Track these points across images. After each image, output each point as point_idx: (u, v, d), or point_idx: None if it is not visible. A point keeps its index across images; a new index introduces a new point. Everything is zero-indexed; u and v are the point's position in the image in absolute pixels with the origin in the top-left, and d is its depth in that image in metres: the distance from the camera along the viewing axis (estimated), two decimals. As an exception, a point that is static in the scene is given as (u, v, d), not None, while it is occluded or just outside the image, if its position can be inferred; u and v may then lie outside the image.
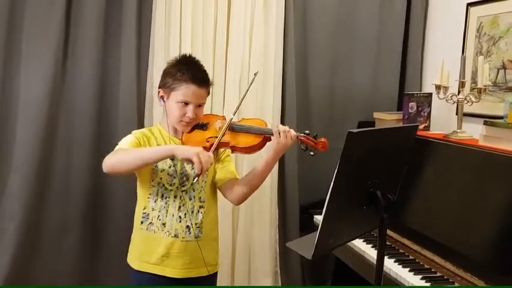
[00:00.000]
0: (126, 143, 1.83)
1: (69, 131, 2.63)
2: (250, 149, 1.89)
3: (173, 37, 2.68)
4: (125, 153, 1.76)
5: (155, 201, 1.88)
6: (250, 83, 1.97)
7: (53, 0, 2.52)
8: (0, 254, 2.51)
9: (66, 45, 2.60)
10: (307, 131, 1.88)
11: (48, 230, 2.63)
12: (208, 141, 1.86)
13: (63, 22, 2.56)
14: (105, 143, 2.54)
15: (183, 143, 1.88)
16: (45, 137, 2.55)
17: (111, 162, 1.74)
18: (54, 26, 2.53)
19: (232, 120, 1.89)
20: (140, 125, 2.66)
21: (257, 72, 1.99)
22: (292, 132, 1.83)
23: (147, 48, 2.71)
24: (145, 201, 1.89)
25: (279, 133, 1.81)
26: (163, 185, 1.87)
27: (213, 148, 1.80)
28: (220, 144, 1.87)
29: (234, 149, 1.89)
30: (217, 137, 1.85)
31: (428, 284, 1.87)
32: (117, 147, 1.81)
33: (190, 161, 1.68)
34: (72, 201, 2.65)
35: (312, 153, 1.86)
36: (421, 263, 2.07)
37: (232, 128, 1.89)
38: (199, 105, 1.89)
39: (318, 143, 1.84)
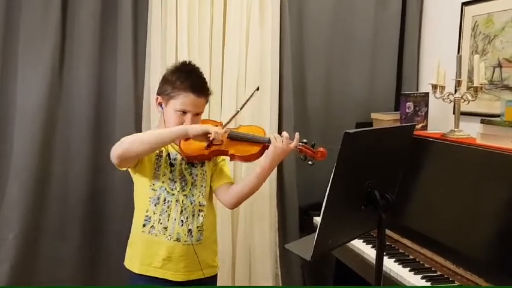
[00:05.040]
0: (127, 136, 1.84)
1: (67, 138, 2.62)
2: (249, 158, 1.93)
3: (169, 42, 2.68)
4: (141, 134, 1.81)
5: (155, 205, 1.87)
6: (249, 96, 1.98)
7: (48, 6, 2.51)
8: (0, 262, 2.50)
9: (63, 52, 2.60)
10: (304, 140, 1.93)
11: (47, 237, 2.62)
12: (207, 149, 1.85)
13: (59, 29, 2.55)
14: (102, 150, 2.54)
15: (181, 150, 1.88)
16: (43, 144, 2.54)
17: (126, 143, 1.73)
18: (50, 33, 2.52)
19: (230, 127, 1.91)
20: (138, 130, 2.65)
21: (258, 88, 2.05)
22: (291, 140, 1.87)
23: (143, 53, 2.70)
24: (146, 204, 1.89)
25: (276, 139, 1.86)
26: (165, 188, 1.87)
27: (210, 151, 1.82)
28: (220, 152, 1.89)
29: (232, 157, 1.91)
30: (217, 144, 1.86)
31: (428, 284, 1.87)
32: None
33: (206, 133, 1.73)
34: (70, 208, 2.64)
35: (310, 162, 1.93)
36: (421, 263, 2.07)
37: (231, 136, 1.90)
38: (197, 114, 1.89)
39: (316, 153, 1.92)
